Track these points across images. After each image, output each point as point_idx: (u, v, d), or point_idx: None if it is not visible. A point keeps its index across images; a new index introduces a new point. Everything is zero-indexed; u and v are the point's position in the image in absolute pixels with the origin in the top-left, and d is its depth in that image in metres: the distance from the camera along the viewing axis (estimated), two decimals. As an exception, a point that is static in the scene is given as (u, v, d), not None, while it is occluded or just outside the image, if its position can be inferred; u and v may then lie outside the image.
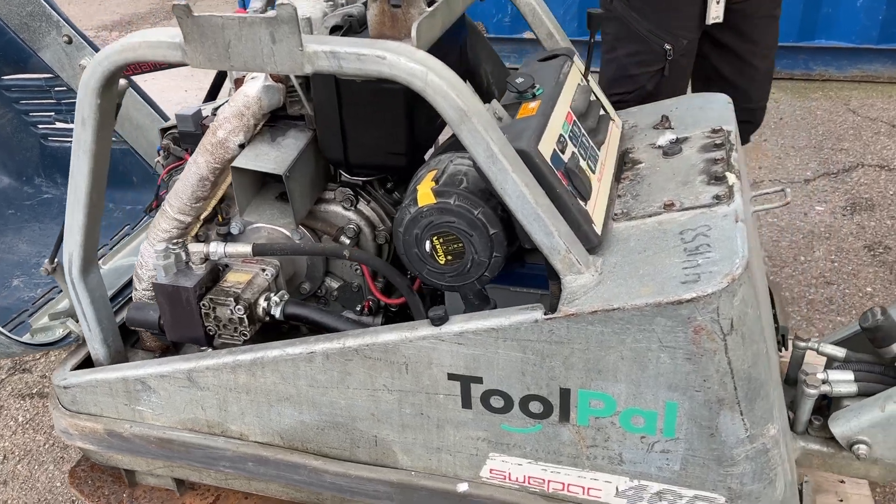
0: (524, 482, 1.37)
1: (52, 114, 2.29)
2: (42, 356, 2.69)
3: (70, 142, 2.18)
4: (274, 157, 1.41)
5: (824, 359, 1.63)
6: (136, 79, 2.09)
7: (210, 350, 1.49)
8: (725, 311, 1.11)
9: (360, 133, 1.40)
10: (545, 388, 1.25)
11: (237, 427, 1.50)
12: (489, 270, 1.30)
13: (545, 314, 1.19)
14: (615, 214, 1.36)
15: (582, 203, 1.27)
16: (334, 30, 1.39)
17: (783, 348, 1.74)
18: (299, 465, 1.48)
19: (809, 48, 4.64)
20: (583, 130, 1.42)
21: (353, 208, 1.54)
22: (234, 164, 1.39)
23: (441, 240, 1.29)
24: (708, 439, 1.21)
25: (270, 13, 1.13)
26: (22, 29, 2.12)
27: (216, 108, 1.59)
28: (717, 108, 1.65)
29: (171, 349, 1.69)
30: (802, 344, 1.63)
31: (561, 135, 1.33)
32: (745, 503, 1.27)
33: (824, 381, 1.51)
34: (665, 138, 1.56)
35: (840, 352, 1.58)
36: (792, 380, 1.61)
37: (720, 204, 1.28)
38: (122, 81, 1.39)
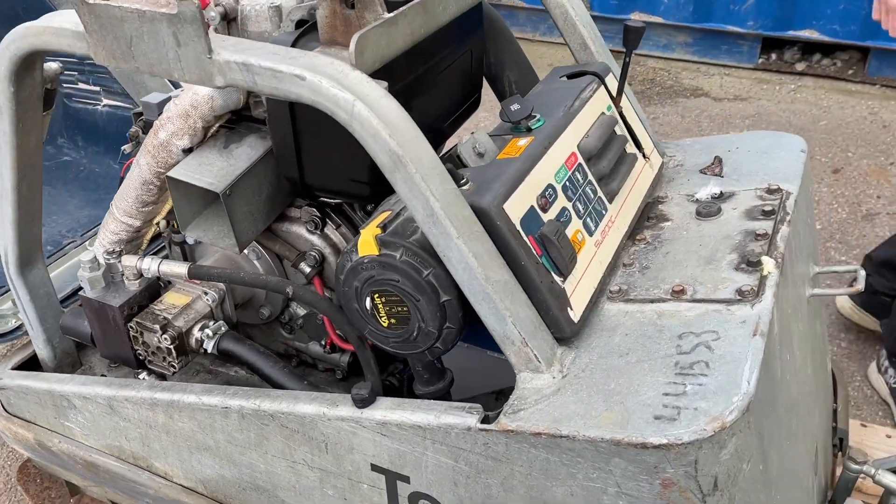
0: None
1: (76, 73, 2.17)
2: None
3: (92, 104, 2.03)
4: (218, 168, 1.19)
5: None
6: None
7: (132, 379, 1.31)
8: (707, 466, 0.82)
9: (317, 152, 1.16)
10: (481, 506, 0.99)
11: (161, 465, 1.33)
12: (441, 342, 1.05)
13: (481, 423, 0.93)
14: (612, 291, 1.07)
15: (559, 280, 0.99)
16: (300, 24, 1.15)
17: (841, 453, 1.41)
18: (221, 520, 1.29)
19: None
20: (589, 177, 1.13)
21: (318, 231, 1.31)
22: (170, 173, 1.19)
23: (383, 299, 1.04)
24: None
25: (174, 7, 0.90)
26: (48, -13, 1.99)
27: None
28: (786, 156, 1.31)
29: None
30: (856, 466, 1.30)
31: (549, 185, 1.04)
32: None
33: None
34: (707, 191, 1.24)
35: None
36: (833, 508, 1.29)
37: (742, 302, 0.97)
38: (53, 65, 1.21)
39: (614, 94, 1.28)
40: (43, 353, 1.47)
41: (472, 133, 1.11)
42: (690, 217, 1.20)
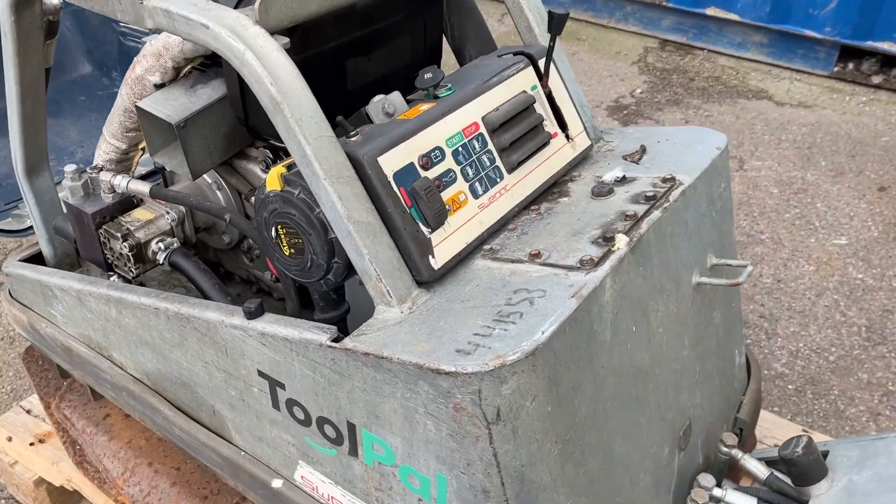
0: (328, 500, 1.29)
1: (131, 15, 2.41)
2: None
3: (143, 41, 2.27)
4: (180, 104, 1.37)
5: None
6: None
7: (101, 277, 1.52)
8: (489, 397, 0.94)
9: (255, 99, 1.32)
10: (335, 416, 1.15)
11: (118, 356, 1.54)
12: (331, 275, 1.20)
13: (332, 340, 1.08)
14: (485, 249, 1.19)
15: (425, 230, 1.12)
16: (256, -15, 1.30)
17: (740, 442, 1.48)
18: (157, 410, 1.49)
19: None
20: (489, 147, 1.25)
21: (269, 170, 1.47)
22: (138, 104, 1.38)
23: (284, 230, 1.20)
24: (477, 526, 1.06)
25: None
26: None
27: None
28: (701, 151, 1.38)
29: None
30: (725, 450, 1.38)
31: (437, 148, 1.17)
32: None
33: (715, 501, 1.27)
34: (612, 174, 1.33)
35: (762, 471, 1.32)
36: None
37: (580, 270, 1.08)
38: (55, 1, 1.41)
39: (543, 74, 1.38)
40: (46, 251, 1.71)
41: (386, 95, 1.25)
42: (586, 196, 1.30)
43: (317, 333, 1.10)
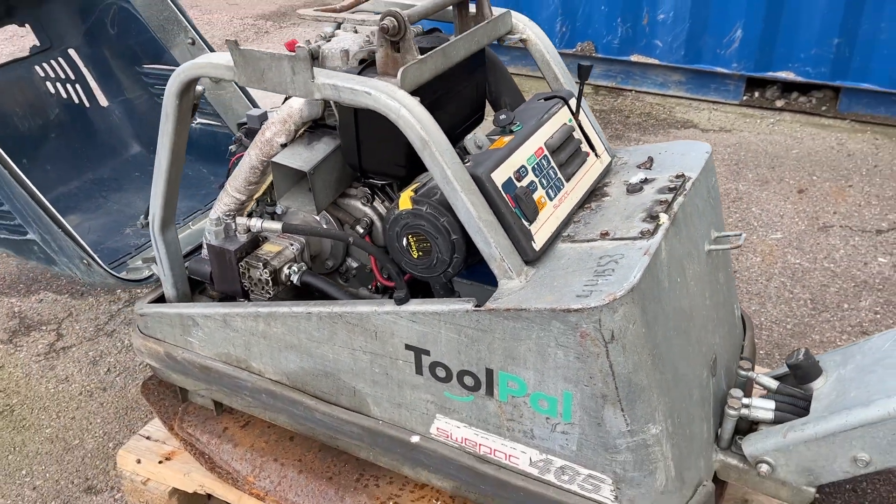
0: (462, 443, 1.69)
1: (177, 98, 2.80)
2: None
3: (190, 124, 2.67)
4: (305, 157, 1.79)
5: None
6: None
7: (243, 301, 1.90)
8: (607, 323, 1.38)
9: (371, 146, 1.75)
10: (475, 366, 1.56)
11: (257, 365, 1.91)
12: (452, 268, 1.62)
13: (475, 306, 1.50)
14: (564, 236, 1.64)
15: (526, 223, 1.57)
16: (361, 62, 1.75)
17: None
18: (298, 402, 1.86)
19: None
20: (552, 164, 1.71)
21: (369, 204, 1.90)
22: (274, 159, 1.78)
23: (414, 238, 1.62)
24: (596, 427, 1.48)
25: (293, 53, 1.50)
26: (159, 30, 2.63)
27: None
28: (695, 156, 1.88)
29: (224, 299, 2.12)
30: (743, 373, 1.84)
31: (522, 166, 1.63)
32: (628, 487, 1.52)
33: (745, 406, 1.72)
34: (637, 177, 1.81)
35: (772, 383, 1.79)
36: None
37: (642, 238, 1.54)
38: (199, 88, 1.81)
39: (575, 111, 1.87)
40: (170, 292, 2.06)
41: (475, 133, 1.70)
42: (622, 194, 1.77)
43: (462, 304, 1.52)
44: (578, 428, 1.51)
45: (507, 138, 1.68)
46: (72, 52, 2.87)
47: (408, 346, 1.63)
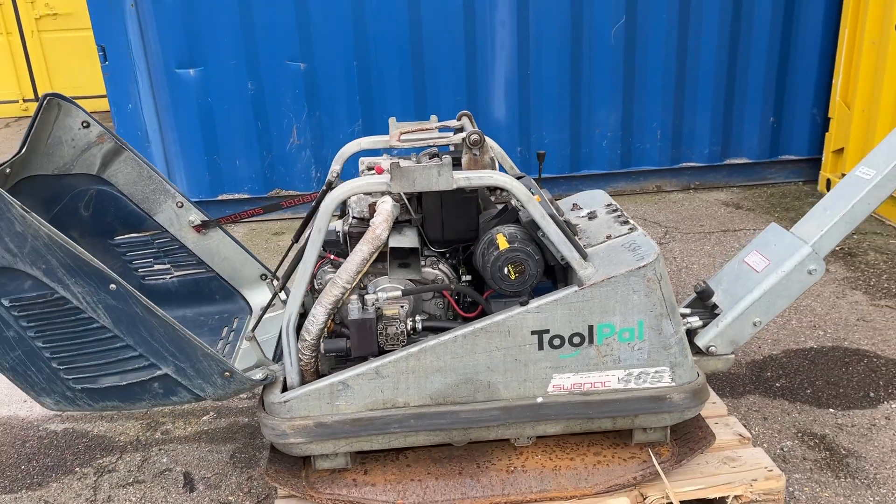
0: (571, 389, 2.60)
1: (152, 259, 3.20)
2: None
3: (162, 278, 3.19)
4: (408, 238, 2.60)
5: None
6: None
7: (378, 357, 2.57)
8: (658, 269, 2.49)
9: (451, 221, 2.64)
10: (580, 327, 2.52)
11: (402, 399, 2.57)
12: (536, 279, 2.58)
13: (578, 288, 2.49)
14: (585, 244, 2.73)
15: (576, 238, 2.62)
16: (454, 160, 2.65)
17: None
18: (443, 413, 2.57)
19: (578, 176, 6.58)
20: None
21: (436, 267, 2.74)
22: (391, 244, 2.56)
23: (512, 265, 2.55)
24: (658, 336, 2.56)
25: (438, 161, 2.39)
26: (143, 202, 3.08)
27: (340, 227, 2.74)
28: (600, 197, 3.13)
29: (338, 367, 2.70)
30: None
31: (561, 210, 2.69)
32: (677, 368, 2.61)
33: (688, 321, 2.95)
34: (583, 212, 2.99)
35: (686, 311, 3.05)
36: (670, 328, 3.03)
37: (633, 232, 2.70)
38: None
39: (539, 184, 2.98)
40: (295, 380, 2.59)
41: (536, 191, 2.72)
42: (587, 221, 2.92)
43: (570, 289, 2.49)
44: (648, 342, 2.56)
45: (537, 196, 2.73)
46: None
47: (532, 332, 2.52)
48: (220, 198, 6.18)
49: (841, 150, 6.23)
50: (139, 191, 3.07)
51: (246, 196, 6.22)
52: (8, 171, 2.67)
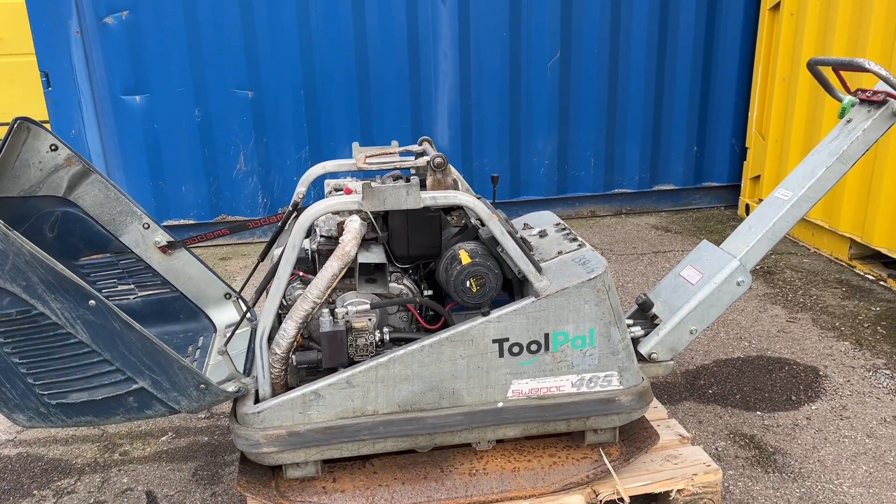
0: (529, 393, 2.79)
1: (115, 280, 3.26)
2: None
3: (126, 298, 3.28)
4: (375, 255, 2.76)
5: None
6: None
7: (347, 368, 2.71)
8: (607, 280, 2.73)
9: (416, 237, 2.82)
10: (537, 335, 2.73)
11: (371, 407, 2.71)
12: (495, 292, 2.78)
13: (535, 298, 2.70)
14: (538, 259, 2.94)
15: (532, 253, 2.84)
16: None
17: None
18: (410, 420, 2.72)
19: (517, 202, 6.86)
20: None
21: (400, 282, 2.91)
22: (361, 260, 2.72)
23: (474, 279, 2.74)
24: (607, 343, 2.78)
25: (406, 182, 2.57)
26: (110, 223, 3.15)
27: (312, 242, 2.89)
28: (549, 217, 3.36)
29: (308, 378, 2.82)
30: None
31: (516, 227, 2.90)
32: (625, 372, 2.84)
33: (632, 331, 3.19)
34: (535, 231, 3.21)
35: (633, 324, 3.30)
36: (615, 338, 3.27)
37: (582, 248, 2.94)
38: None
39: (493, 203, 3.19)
40: (267, 392, 2.71)
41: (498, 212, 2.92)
42: (538, 238, 3.14)
43: (526, 300, 2.70)
44: (598, 348, 2.79)
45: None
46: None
47: (494, 340, 2.71)
48: (165, 223, 6.19)
49: (758, 178, 6.70)
50: (105, 212, 3.14)
51: (192, 221, 6.25)
52: (-23, 192, 2.72)
